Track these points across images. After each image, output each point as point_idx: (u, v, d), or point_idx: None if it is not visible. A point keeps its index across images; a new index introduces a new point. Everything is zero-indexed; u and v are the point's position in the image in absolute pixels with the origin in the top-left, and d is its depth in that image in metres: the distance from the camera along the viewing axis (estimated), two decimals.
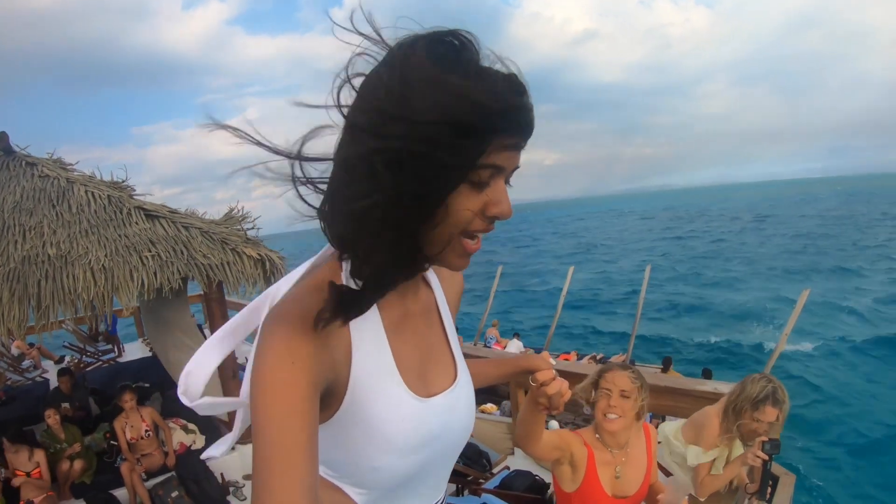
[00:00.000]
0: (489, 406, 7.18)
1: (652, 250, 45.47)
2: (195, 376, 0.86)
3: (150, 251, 4.53)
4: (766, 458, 2.51)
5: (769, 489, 2.87)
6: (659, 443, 2.77)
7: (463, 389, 0.98)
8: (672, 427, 2.98)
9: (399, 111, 0.65)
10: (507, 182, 0.75)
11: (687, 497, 2.78)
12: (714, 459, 2.74)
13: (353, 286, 0.74)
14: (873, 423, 11.20)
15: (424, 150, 0.65)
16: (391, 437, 0.84)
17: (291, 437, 0.65)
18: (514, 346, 12.05)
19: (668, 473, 3.02)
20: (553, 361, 1.28)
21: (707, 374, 9.50)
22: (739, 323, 20.10)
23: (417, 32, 0.68)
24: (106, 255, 4.34)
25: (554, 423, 6.15)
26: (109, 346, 9.34)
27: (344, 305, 0.72)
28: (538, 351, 10.71)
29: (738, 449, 2.74)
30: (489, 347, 12.00)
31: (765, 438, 2.53)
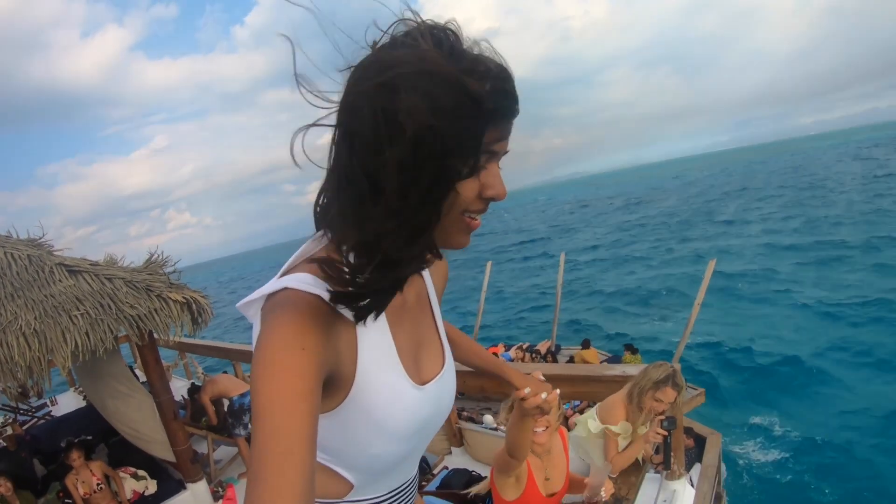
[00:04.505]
0: None
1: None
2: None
3: (78, 309, 4.49)
4: (666, 433, 2.89)
5: (681, 455, 3.25)
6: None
7: (449, 374, 1.04)
8: (585, 415, 3.32)
9: (412, 117, 0.63)
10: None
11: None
12: (623, 437, 3.10)
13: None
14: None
15: (440, 151, 0.65)
16: (393, 425, 0.87)
17: (295, 424, 0.63)
18: None
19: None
20: (542, 377, 1.40)
21: (632, 349, 9.98)
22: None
23: (404, 25, 0.70)
24: (35, 318, 4.28)
25: (488, 418, 6.41)
26: (43, 402, 9.06)
27: (384, 294, 0.76)
28: None
29: (644, 430, 3.11)
30: None
31: (662, 417, 2.90)
